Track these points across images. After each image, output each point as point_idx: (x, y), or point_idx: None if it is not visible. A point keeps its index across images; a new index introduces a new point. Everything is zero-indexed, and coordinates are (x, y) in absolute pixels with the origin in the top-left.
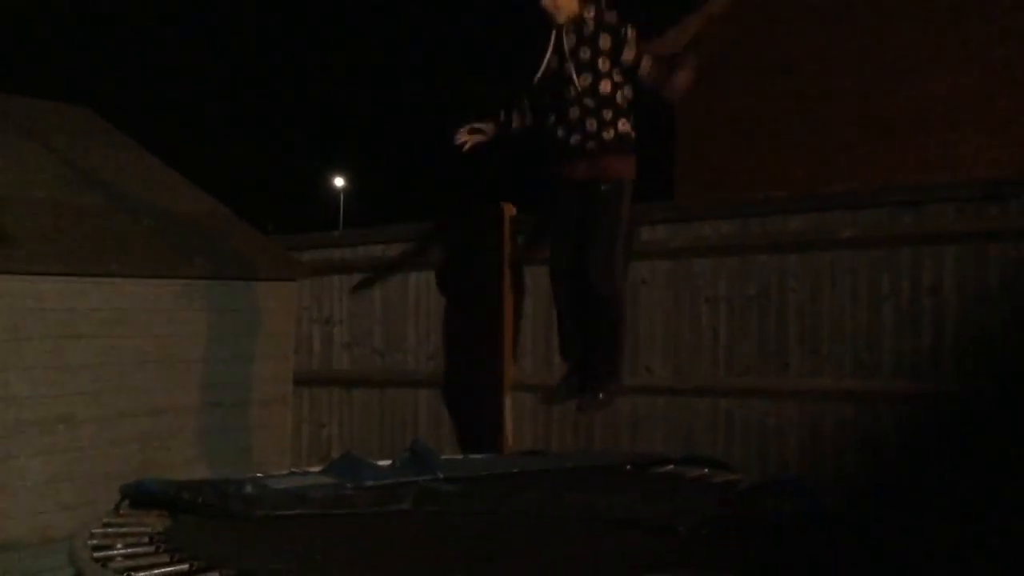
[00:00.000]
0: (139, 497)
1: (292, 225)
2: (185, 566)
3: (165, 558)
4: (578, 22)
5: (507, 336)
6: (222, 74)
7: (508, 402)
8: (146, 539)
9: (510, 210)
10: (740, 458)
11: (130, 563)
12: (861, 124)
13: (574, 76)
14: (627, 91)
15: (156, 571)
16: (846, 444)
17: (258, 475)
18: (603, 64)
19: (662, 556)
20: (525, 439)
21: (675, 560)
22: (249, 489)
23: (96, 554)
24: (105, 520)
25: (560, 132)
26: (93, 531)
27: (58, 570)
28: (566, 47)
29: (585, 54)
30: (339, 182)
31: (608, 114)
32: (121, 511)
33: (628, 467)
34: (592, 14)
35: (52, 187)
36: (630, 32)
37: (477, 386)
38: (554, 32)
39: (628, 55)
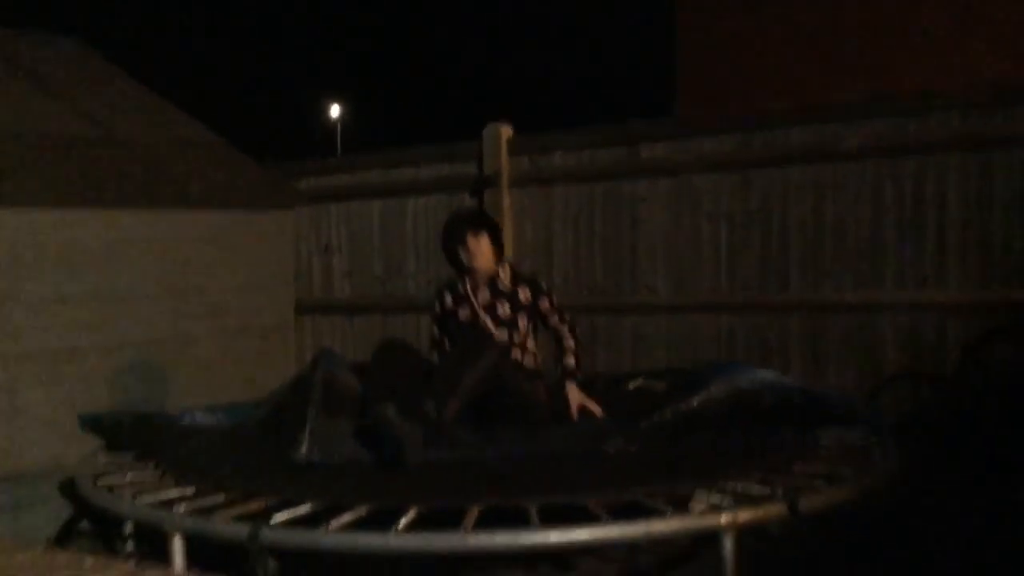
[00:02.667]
0: (88, 426)
1: (289, 155)
2: (191, 489)
3: (170, 481)
4: (491, 279)
5: (508, 257)
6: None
7: None
8: (151, 466)
9: (507, 132)
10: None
11: (135, 488)
12: (863, 34)
13: (491, 328)
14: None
15: (161, 494)
16: (848, 357)
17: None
18: (521, 321)
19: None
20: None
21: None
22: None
23: (101, 480)
24: (109, 449)
25: None
26: (98, 460)
27: (65, 498)
28: (478, 300)
29: (503, 309)
30: (335, 111)
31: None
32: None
33: (599, 384)
34: (508, 271)
35: (42, 118)
36: (543, 283)
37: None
38: (465, 285)
39: (544, 304)
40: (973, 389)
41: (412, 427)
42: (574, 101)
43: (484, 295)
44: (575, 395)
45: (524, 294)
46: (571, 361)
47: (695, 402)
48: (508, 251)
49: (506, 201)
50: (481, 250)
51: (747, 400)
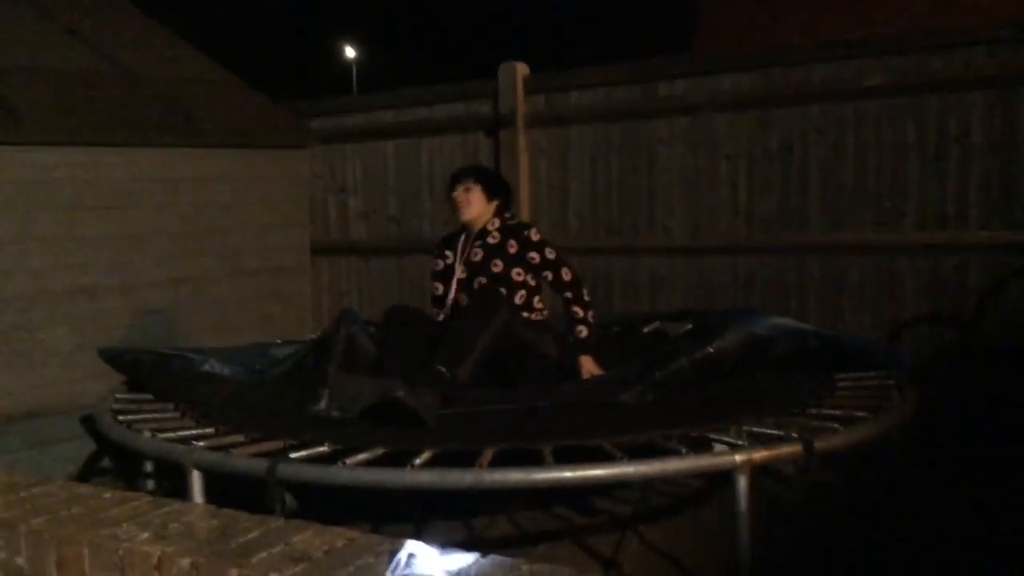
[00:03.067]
0: (108, 360)
1: (303, 96)
2: (211, 428)
3: (191, 422)
4: (483, 234)
5: (524, 200)
6: None
7: None
8: (171, 405)
9: (523, 70)
10: None
11: (156, 426)
12: None
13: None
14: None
15: (182, 432)
16: (867, 299)
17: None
18: (517, 274)
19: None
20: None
21: (637, 423)
22: (209, 367)
23: (120, 418)
24: (130, 387)
25: None
26: (118, 396)
27: (84, 436)
28: (470, 256)
29: (496, 265)
30: (350, 52)
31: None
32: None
33: (615, 328)
34: (496, 224)
35: (55, 56)
36: (532, 234)
37: None
38: (461, 239)
39: (534, 258)
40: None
41: (426, 394)
42: (591, 38)
43: (477, 252)
44: (588, 366)
45: (512, 246)
46: (581, 331)
47: (711, 349)
48: (523, 191)
49: (521, 141)
50: (467, 200)
51: (763, 346)
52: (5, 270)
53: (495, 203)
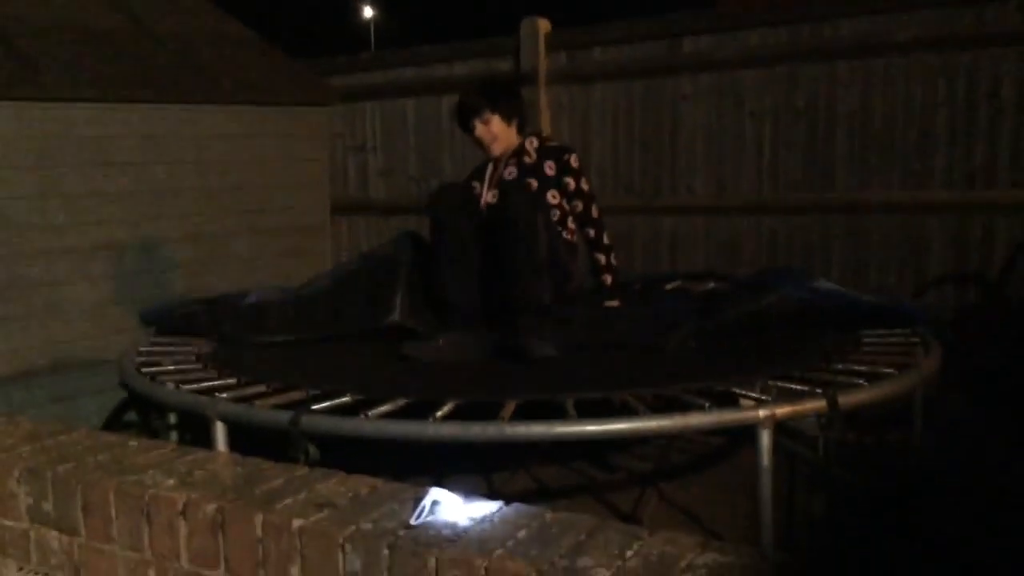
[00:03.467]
0: (151, 324)
1: (322, 54)
2: (233, 380)
3: (213, 373)
4: (518, 153)
5: None
6: None
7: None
8: (192, 357)
9: (545, 26)
10: None
11: (179, 377)
12: None
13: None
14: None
15: (204, 384)
16: (892, 258)
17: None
18: (552, 196)
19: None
20: None
21: (660, 377)
22: (251, 301)
23: (145, 370)
24: (153, 339)
25: None
26: (141, 349)
27: (112, 389)
28: (497, 180)
29: (532, 187)
30: (368, 12)
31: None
32: (165, 334)
33: (636, 286)
34: (535, 144)
35: (70, 10)
36: (573, 160)
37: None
38: (490, 166)
39: (570, 184)
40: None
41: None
42: None
43: (512, 170)
44: None
45: (550, 168)
46: (606, 278)
47: (759, 305)
48: None
49: (543, 98)
50: (492, 135)
51: (808, 307)
52: (27, 226)
53: (516, 122)
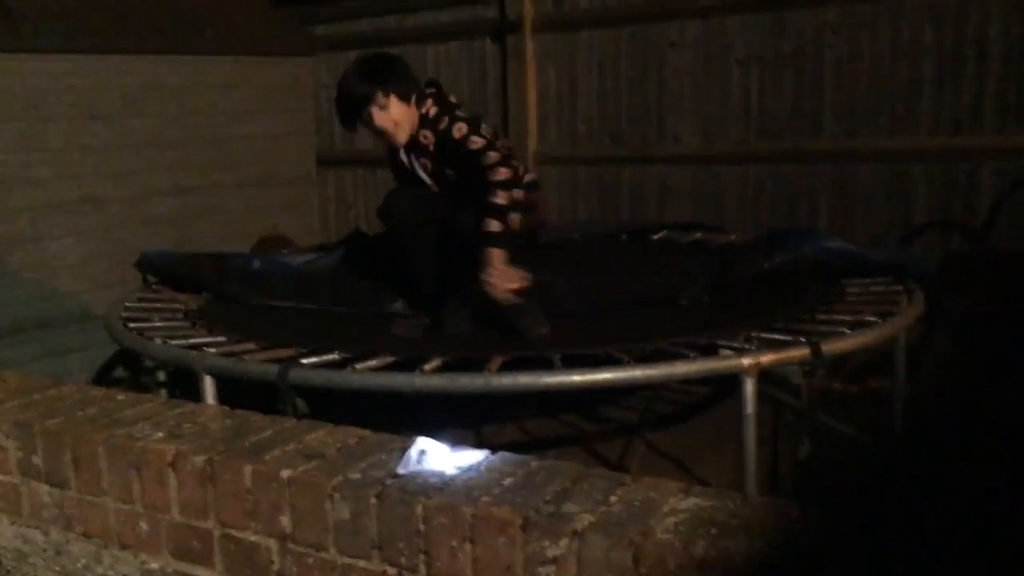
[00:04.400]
0: (152, 269)
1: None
2: (222, 337)
3: (201, 330)
4: (416, 139)
5: (531, 107)
6: None
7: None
8: (180, 314)
9: None
10: (772, 225)
11: (167, 333)
12: None
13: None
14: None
15: (192, 339)
16: (878, 206)
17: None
18: (454, 174)
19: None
20: (552, 211)
21: (691, 324)
22: (256, 265)
23: (132, 325)
24: (139, 296)
25: None
26: (128, 305)
27: (100, 346)
28: (411, 163)
29: (426, 165)
30: None
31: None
32: (152, 287)
33: (624, 237)
34: (429, 132)
35: None
36: (456, 133)
37: None
38: (401, 155)
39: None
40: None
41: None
42: None
43: (425, 164)
44: (495, 263)
45: (451, 152)
46: (487, 224)
47: (771, 264)
48: (531, 98)
49: (529, 47)
50: (394, 120)
51: (819, 266)
52: (10, 181)
53: (413, 97)
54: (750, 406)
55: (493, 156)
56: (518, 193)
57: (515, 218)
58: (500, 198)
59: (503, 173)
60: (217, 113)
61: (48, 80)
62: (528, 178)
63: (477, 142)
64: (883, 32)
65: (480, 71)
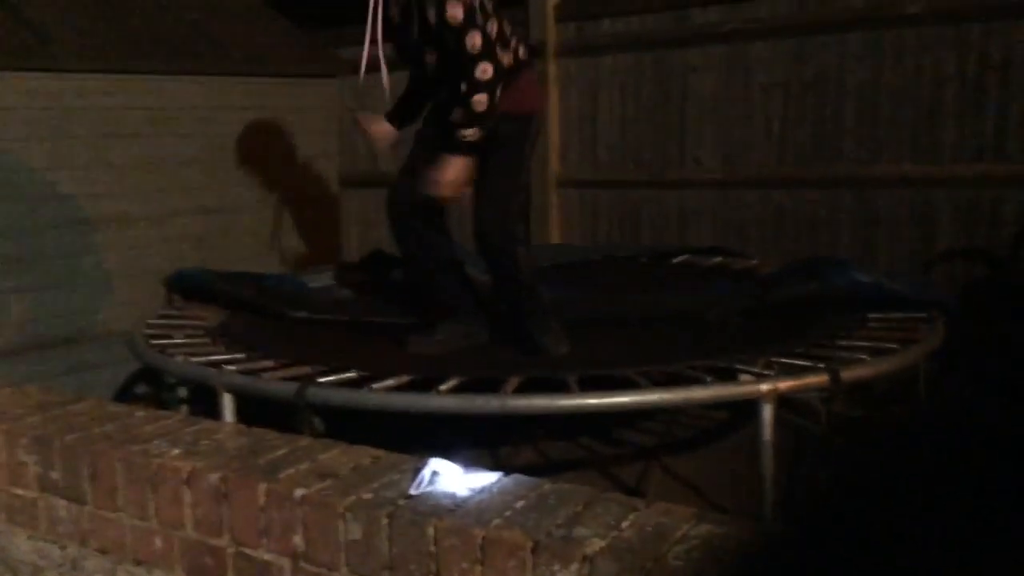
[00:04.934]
0: (182, 287)
1: (329, 24)
2: (241, 354)
3: (221, 347)
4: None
5: (554, 131)
6: None
7: (555, 198)
8: (201, 331)
9: None
10: (793, 251)
11: (188, 350)
12: None
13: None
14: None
15: (212, 357)
16: (901, 233)
17: (295, 273)
18: (429, 56)
19: (703, 344)
20: (573, 235)
21: (711, 348)
22: (288, 287)
23: (154, 342)
24: (161, 313)
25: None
26: (150, 322)
27: (123, 362)
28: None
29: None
30: None
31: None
32: (175, 305)
33: (644, 260)
34: None
35: None
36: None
37: None
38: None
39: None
40: None
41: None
42: None
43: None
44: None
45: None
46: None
47: (801, 292)
48: (553, 122)
49: (552, 71)
50: None
51: (841, 296)
52: (38, 197)
53: None
54: (767, 432)
55: (477, 42)
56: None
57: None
58: (478, 104)
59: (486, 70)
60: (242, 134)
61: (76, 99)
62: (522, 53)
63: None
64: (906, 59)
65: None
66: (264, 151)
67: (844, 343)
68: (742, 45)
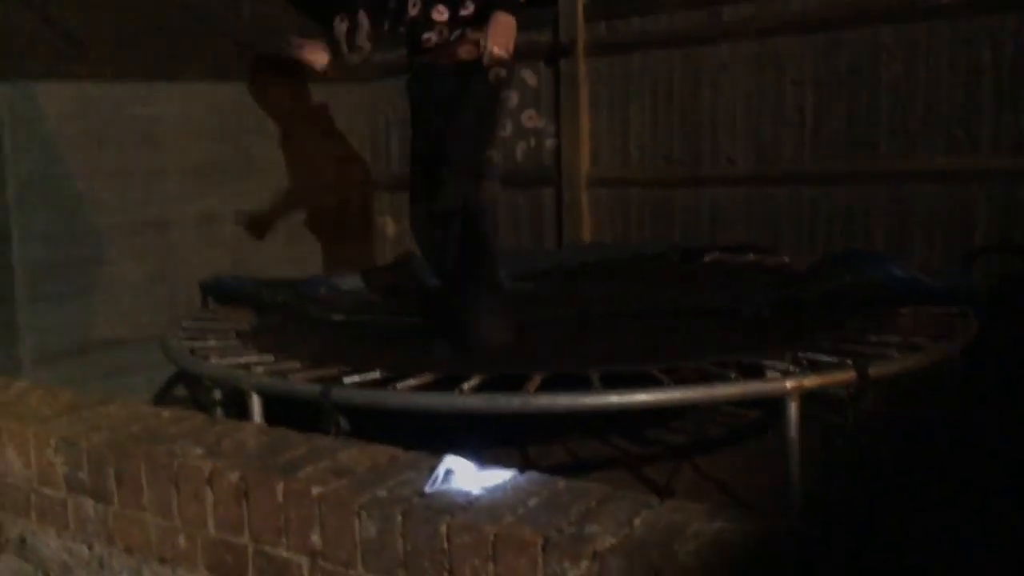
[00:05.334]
0: (218, 292)
1: None
2: (270, 356)
3: (252, 350)
4: None
5: (584, 130)
6: None
7: (586, 197)
8: (233, 334)
9: None
10: (827, 248)
11: (219, 352)
12: None
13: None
14: None
15: (242, 359)
16: (936, 228)
17: (330, 276)
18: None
19: (729, 340)
20: (604, 234)
21: (743, 343)
22: (323, 291)
23: (186, 345)
24: (195, 316)
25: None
26: (184, 325)
27: (160, 366)
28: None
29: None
30: None
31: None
32: (210, 308)
33: (674, 258)
34: None
35: None
36: None
37: (555, 182)
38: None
39: None
40: None
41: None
42: None
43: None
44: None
45: None
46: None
47: (834, 286)
48: (583, 121)
49: (582, 70)
50: None
51: (874, 290)
52: (75, 205)
53: None
54: (793, 430)
55: None
56: None
57: None
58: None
59: None
60: (275, 138)
61: (112, 105)
62: None
63: None
64: (940, 50)
65: (534, 95)
66: (299, 154)
67: (874, 339)
68: (773, 40)
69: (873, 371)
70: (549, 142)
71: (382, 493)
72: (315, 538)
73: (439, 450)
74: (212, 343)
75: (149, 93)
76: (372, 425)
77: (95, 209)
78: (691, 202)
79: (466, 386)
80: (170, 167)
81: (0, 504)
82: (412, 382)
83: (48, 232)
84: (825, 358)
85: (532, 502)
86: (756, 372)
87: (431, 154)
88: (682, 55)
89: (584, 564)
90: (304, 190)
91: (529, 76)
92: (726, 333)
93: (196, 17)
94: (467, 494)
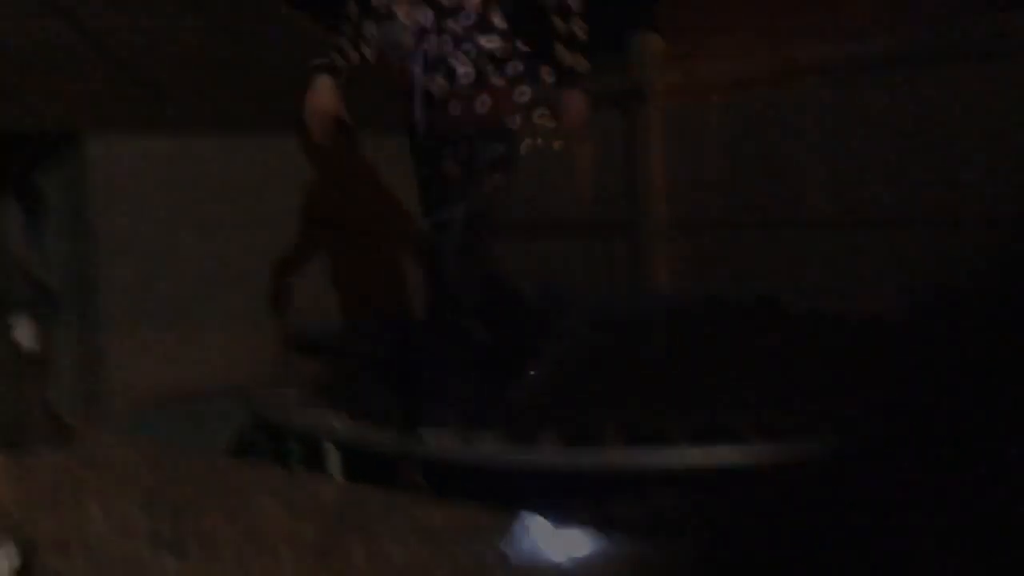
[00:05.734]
0: (298, 340)
1: None
2: (349, 408)
3: (332, 402)
4: None
5: (658, 175)
6: None
7: (661, 244)
8: (314, 385)
9: (657, 42)
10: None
11: (299, 404)
12: None
13: None
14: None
15: (322, 411)
16: None
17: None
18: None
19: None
20: (681, 281)
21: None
22: (401, 334)
23: (268, 396)
24: (275, 366)
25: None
26: (264, 376)
27: (239, 416)
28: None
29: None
30: None
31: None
32: (290, 358)
33: (752, 306)
34: None
35: (194, 36)
36: None
37: (628, 228)
38: None
39: None
40: None
41: None
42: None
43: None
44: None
45: None
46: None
47: None
48: (657, 168)
49: (657, 115)
50: None
51: None
52: (155, 257)
53: None
54: None
55: None
56: None
57: None
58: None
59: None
60: (342, 186)
61: (191, 157)
62: None
63: None
64: None
65: (608, 141)
66: (363, 206)
67: None
68: (852, 80)
69: None
70: (621, 187)
71: (466, 561)
72: None
73: (516, 504)
74: (292, 394)
75: (224, 146)
76: (450, 479)
77: (174, 262)
78: (769, 247)
79: (542, 440)
80: (247, 218)
81: (83, 559)
82: (489, 436)
83: (127, 285)
84: None
85: (616, 570)
86: None
87: None
88: (760, 98)
89: None
90: (367, 239)
91: (603, 121)
92: (813, 388)
93: (261, 66)
94: (549, 560)
